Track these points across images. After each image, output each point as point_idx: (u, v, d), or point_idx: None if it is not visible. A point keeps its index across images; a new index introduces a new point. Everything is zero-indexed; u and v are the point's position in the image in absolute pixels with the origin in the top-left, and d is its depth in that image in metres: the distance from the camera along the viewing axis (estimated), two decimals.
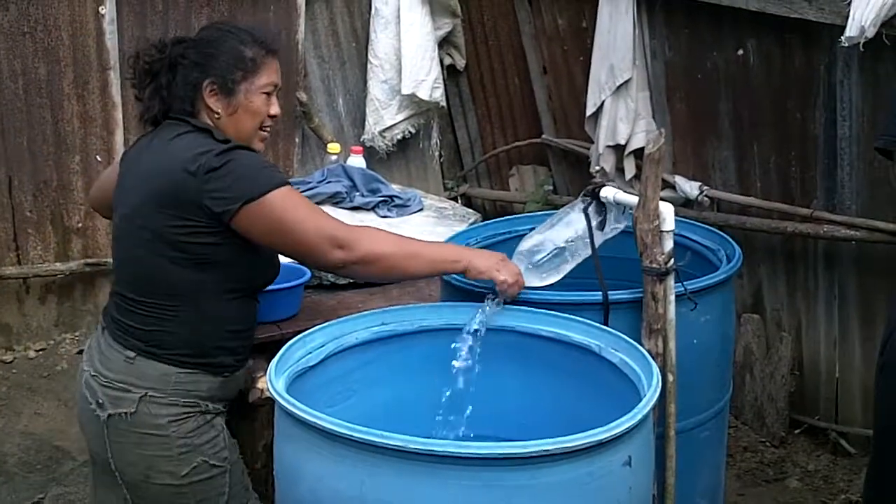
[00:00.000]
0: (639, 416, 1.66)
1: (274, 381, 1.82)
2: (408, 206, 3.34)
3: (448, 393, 2.16)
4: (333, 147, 3.62)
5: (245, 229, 2.00)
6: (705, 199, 3.49)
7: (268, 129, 2.15)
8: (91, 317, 4.36)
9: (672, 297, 2.07)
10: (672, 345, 2.10)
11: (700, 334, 2.22)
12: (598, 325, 2.01)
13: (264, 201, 1.98)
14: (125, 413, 2.05)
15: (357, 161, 3.60)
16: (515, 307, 2.11)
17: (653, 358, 2.05)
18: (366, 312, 2.12)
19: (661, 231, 2.03)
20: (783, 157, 3.26)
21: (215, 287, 2.07)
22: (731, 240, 2.46)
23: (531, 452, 1.57)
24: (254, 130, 2.11)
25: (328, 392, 2.05)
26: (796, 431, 3.51)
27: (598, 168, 2.26)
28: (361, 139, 4.37)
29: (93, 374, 2.10)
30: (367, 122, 4.34)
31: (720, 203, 3.51)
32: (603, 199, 2.21)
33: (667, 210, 2.03)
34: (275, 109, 2.13)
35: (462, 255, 2.11)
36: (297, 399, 1.86)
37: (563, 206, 4.20)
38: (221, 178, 1.97)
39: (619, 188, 2.23)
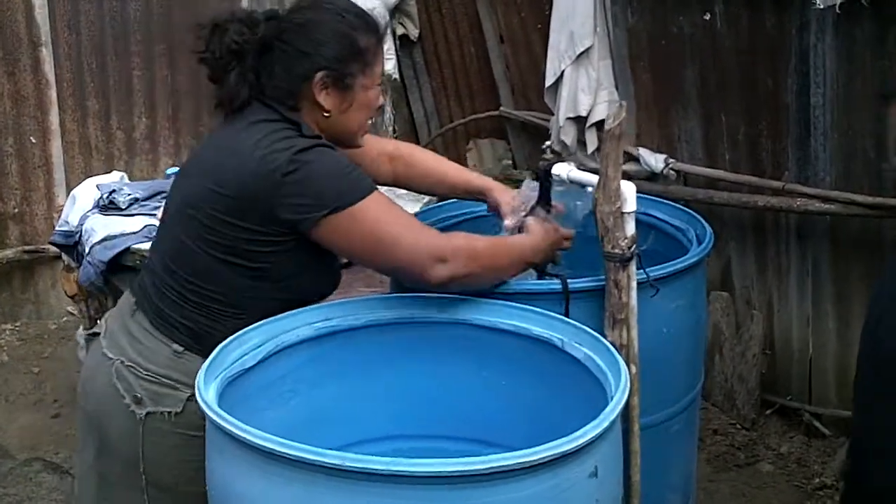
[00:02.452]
0: (605, 424, 1.50)
1: (203, 388, 1.63)
2: None
3: (399, 391, 2.01)
4: None
5: (327, 241, 1.80)
6: (671, 172, 3.34)
7: (371, 122, 1.95)
8: (32, 305, 4.16)
9: (635, 284, 1.91)
10: (635, 334, 1.95)
11: (670, 322, 2.07)
12: (559, 316, 1.85)
13: (354, 211, 1.75)
14: (169, 412, 1.85)
15: None
16: (469, 297, 1.95)
17: (617, 350, 1.91)
18: (307, 308, 1.94)
19: (623, 213, 1.86)
20: (753, 128, 3.10)
21: (272, 295, 1.87)
22: (700, 218, 2.31)
23: (488, 469, 1.41)
24: (362, 126, 1.91)
25: (269, 395, 1.88)
26: (767, 412, 3.39)
27: (547, 144, 2.08)
28: None
29: (127, 363, 1.88)
30: None
31: (687, 177, 3.36)
32: (555, 179, 2.05)
33: (629, 190, 1.87)
34: (382, 99, 1.92)
35: (540, 247, 1.96)
36: (235, 404, 1.71)
37: (522, 181, 4.10)
38: (301, 184, 1.74)
39: (574, 165, 2.06)
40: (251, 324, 1.84)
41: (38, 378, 3.82)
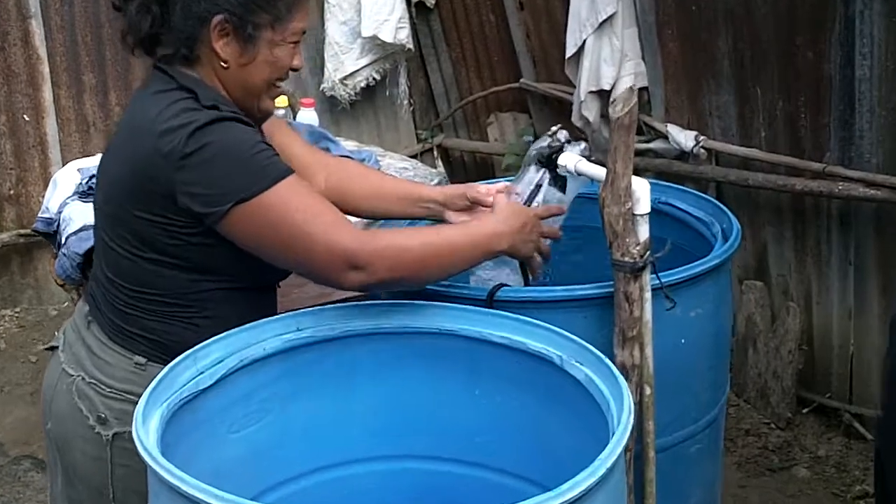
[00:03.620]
0: (601, 471, 1.27)
1: (141, 420, 1.42)
2: None
3: (383, 408, 1.80)
4: (279, 100, 3.18)
5: (235, 236, 1.57)
6: (702, 150, 3.07)
7: (282, 85, 1.71)
8: (32, 290, 4.00)
9: (649, 296, 1.67)
10: (650, 351, 1.71)
11: (689, 332, 1.83)
12: (560, 330, 1.62)
13: (261, 201, 1.53)
14: None
15: (307, 116, 3.19)
16: (459, 306, 1.72)
17: (628, 371, 1.68)
18: (274, 318, 1.73)
19: (635, 215, 1.62)
20: (791, 103, 2.82)
21: (222, 287, 1.67)
22: (727, 210, 2.05)
23: None
24: (266, 86, 1.66)
25: (232, 416, 1.66)
26: (804, 411, 3.14)
27: (553, 130, 1.83)
28: (321, 88, 3.94)
29: (88, 380, 1.68)
30: (325, 69, 3.90)
31: (719, 155, 3.09)
32: (560, 171, 1.81)
33: (641, 188, 1.62)
34: (298, 61, 1.68)
35: (504, 231, 1.68)
36: (189, 431, 1.54)
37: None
38: (200, 167, 1.52)
39: (583, 154, 1.82)
40: (217, 320, 1.65)
41: (35, 367, 3.66)
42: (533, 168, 1.85)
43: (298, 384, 1.75)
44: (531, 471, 1.72)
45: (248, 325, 1.70)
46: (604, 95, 3.22)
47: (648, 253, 1.63)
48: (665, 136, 3.19)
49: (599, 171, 1.71)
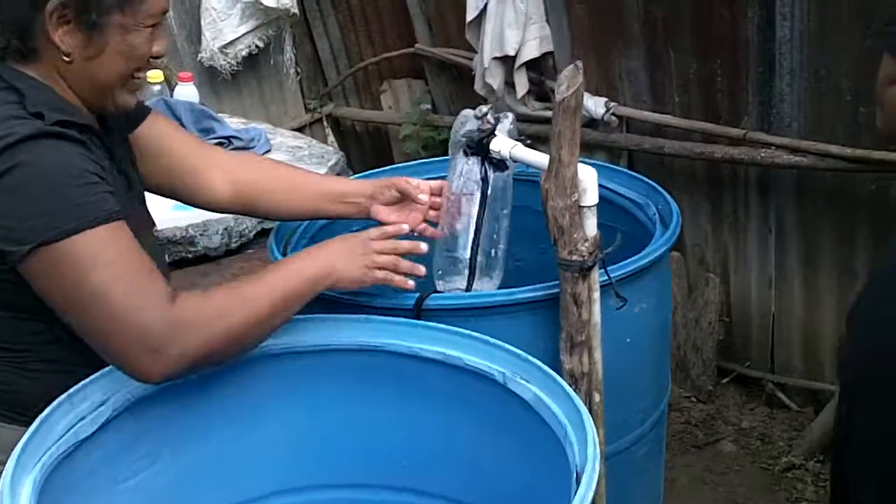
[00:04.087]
0: None
1: (9, 487, 1.18)
2: (251, 147, 2.68)
3: (306, 434, 1.59)
4: (153, 75, 2.89)
5: (32, 282, 1.29)
6: (613, 118, 2.91)
7: (141, 76, 1.42)
8: None
9: (598, 296, 1.50)
10: (598, 355, 1.54)
11: (635, 330, 1.67)
12: (501, 343, 1.42)
13: (65, 248, 1.24)
14: None
15: (185, 92, 2.90)
16: (384, 319, 1.52)
17: (577, 380, 1.50)
18: None
19: (582, 207, 1.43)
20: (706, 66, 2.67)
21: (54, 330, 1.38)
22: (662, 191, 1.89)
23: None
24: (122, 80, 1.38)
25: (120, 465, 1.43)
26: (723, 381, 3.05)
27: (485, 112, 1.62)
28: (199, 58, 3.62)
29: None
30: (203, 38, 3.58)
31: (630, 122, 2.94)
32: (494, 155, 1.61)
33: (588, 177, 1.43)
34: (159, 46, 1.40)
35: (324, 265, 1.44)
36: (73, 486, 1.33)
37: (444, 126, 3.63)
38: (6, 194, 1.24)
39: (518, 138, 1.62)
40: (58, 364, 1.40)
41: None
42: (462, 158, 1.64)
43: (196, 418, 1.52)
44: (475, 497, 1.54)
45: None
46: (508, 61, 3.03)
47: (598, 250, 1.45)
48: None
49: (539, 158, 1.51)
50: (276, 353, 1.53)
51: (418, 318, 1.54)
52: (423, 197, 1.64)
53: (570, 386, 1.50)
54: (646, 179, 1.94)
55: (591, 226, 1.44)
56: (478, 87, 3.16)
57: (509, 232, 1.68)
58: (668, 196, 1.85)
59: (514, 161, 1.58)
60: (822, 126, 2.44)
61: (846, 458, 1.54)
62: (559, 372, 1.53)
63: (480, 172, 1.62)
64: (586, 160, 1.56)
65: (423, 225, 1.67)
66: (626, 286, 1.58)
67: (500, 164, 1.63)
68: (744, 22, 2.52)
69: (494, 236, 1.66)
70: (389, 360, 1.53)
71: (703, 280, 2.91)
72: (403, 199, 1.66)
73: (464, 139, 1.64)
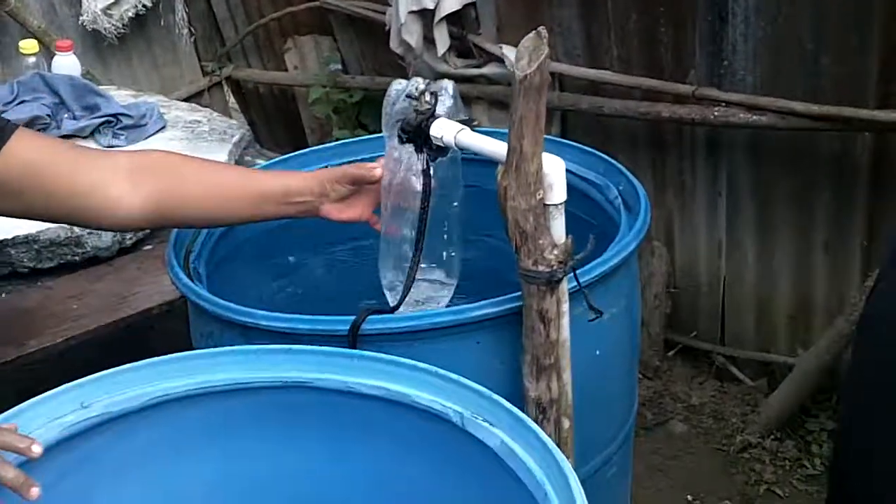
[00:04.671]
0: None
1: None
2: (142, 125, 2.34)
3: (216, 487, 1.32)
4: (27, 45, 2.52)
5: None
6: None
7: None
8: None
9: (567, 308, 1.25)
10: (568, 376, 1.30)
11: (605, 339, 1.42)
12: (457, 378, 1.16)
13: None
14: None
15: (64, 63, 2.54)
16: (314, 349, 1.25)
17: (546, 408, 1.26)
18: (47, 394, 1.20)
19: (549, 206, 1.18)
20: (648, 15, 2.42)
21: None
22: (624, 170, 1.65)
23: None
24: None
25: None
26: (669, 354, 2.86)
27: (421, 90, 1.32)
28: (80, 21, 3.24)
29: None
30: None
31: (564, 80, 2.68)
32: (434, 142, 1.34)
33: (555, 170, 1.17)
34: None
35: None
36: None
37: (356, 88, 3.33)
38: None
39: (464, 120, 1.35)
40: None
41: None
42: (397, 143, 1.36)
43: (91, 480, 1.24)
44: None
45: (7, 412, 1.17)
46: (426, 15, 2.74)
47: (569, 259, 1.19)
48: (500, 59, 2.75)
49: (492, 146, 1.24)
50: (183, 396, 1.25)
51: (354, 346, 1.27)
52: (378, 170, 1.38)
53: (538, 415, 1.27)
54: (602, 156, 1.70)
55: (559, 228, 1.18)
56: (393, 44, 2.86)
57: (462, 229, 1.42)
58: (630, 175, 1.61)
59: (461, 149, 1.31)
60: (780, 80, 2.22)
61: (857, 475, 1.34)
62: (523, 399, 1.29)
63: (421, 162, 1.34)
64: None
65: (375, 217, 1.42)
66: (595, 291, 1.33)
67: (443, 147, 1.35)
68: None
69: (444, 237, 1.39)
70: (322, 398, 1.26)
71: (649, 249, 2.69)
72: (356, 188, 1.39)
73: (397, 121, 1.36)
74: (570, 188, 1.62)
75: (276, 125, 3.97)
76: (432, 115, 1.30)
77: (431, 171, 1.34)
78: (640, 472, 2.52)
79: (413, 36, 2.78)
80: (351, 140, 1.82)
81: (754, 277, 2.58)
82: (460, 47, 2.83)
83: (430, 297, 1.43)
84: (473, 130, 1.30)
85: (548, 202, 1.16)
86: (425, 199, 1.34)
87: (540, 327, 1.21)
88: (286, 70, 3.62)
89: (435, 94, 1.34)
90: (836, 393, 2.55)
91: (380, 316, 1.27)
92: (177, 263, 1.44)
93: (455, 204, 1.41)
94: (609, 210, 1.58)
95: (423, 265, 1.37)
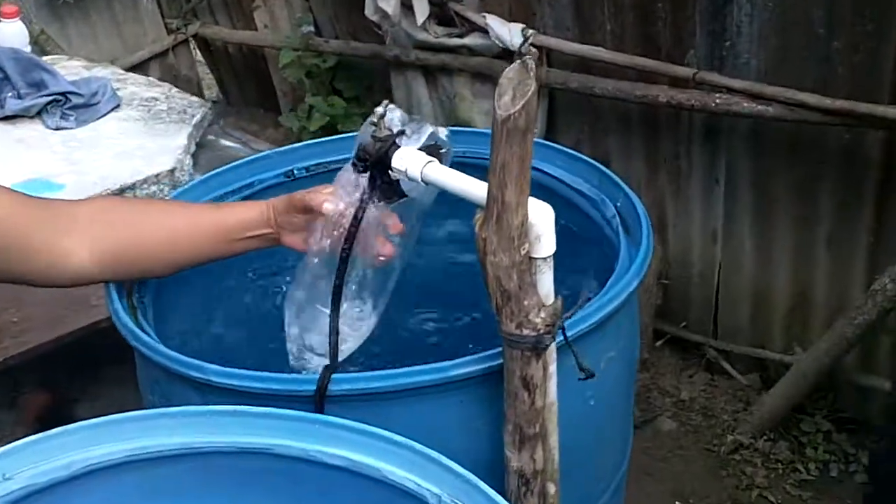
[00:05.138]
0: None
1: None
2: (93, 105, 2.15)
3: None
4: None
5: None
6: (532, 49, 2.46)
7: None
8: None
9: (554, 370, 1.09)
10: (555, 440, 1.15)
11: (601, 387, 1.26)
12: (435, 455, 1.01)
13: None
14: None
15: (10, 32, 2.33)
16: (273, 412, 1.09)
17: (529, 479, 1.12)
18: None
19: (536, 260, 1.01)
20: None
21: None
22: (620, 181, 1.49)
23: None
24: None
25: None
26: (657, 344, 2.72)
27: (380, 111, 1.14)
28: None
29: None
30: None
31: (552, 55, 2.49)
32: (395, 175, 1.16)
33: (543, 219, 1.00)
34: None
35: None
36: None
37: (330, 53, 3.12)
38: None
39: (430, 144, 1.17)
40: None
41: None
42: (350, 170, 1.19)
43: None
44: None
45: None
46: None
47: (559, 320, 1.03)
48: (483, 30, 2.56)
49: (467, 186, 1.07)
50: (122, 461, 1.10)
51: (321, 409, 1.11)
52: (330, 207, 1.20)
53: (521, 487, 1.12)
54: (596, 164, 1.53)
55: (546, 283, 1.02)
56: (368, 12, 2.66)
57: (391, 289, 1.25)
58: (628, 190, 1.45)
59: (427, 184, 1.13)
60: (787, 66, 2.04)
61: None
62: (502, 467, 1.15)
63: (363, 197, 1.17)
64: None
65: None
66: (590, 338, 1.18)
67: (395, 188, 1.17)
68: None
69: (361, 291, 1.23)
70: (281, 465, 1.10)
71: None
72: (309, 216, 1.23)
73: (355, 146, 1.18)
74: (562, 200, 1.48)
75: (246, 84, 3.76)
76: (394, 143, 1.13)
77: (369, 210, 1.17)
78: (630, 475, 2.40)
79: (390, 3, 2.58)
80: (319, 140, 1.63)
81: (751, 269, 2.43)
82: (441, 15, 2.64)
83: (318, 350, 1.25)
84: (443, 163, 1.12)
85: (535, 255, 0.99)
86: (347, 243, 1.17)
87: (524, 395, 1.05)
88: (255, 29, 3.41)
89: (403, 119, 1.16)
90: (833, 393, 2.42)
91: (348, 375, 1.11)
92: (117, 297, 1.27)
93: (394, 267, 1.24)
94: (606, 230, 1.42)
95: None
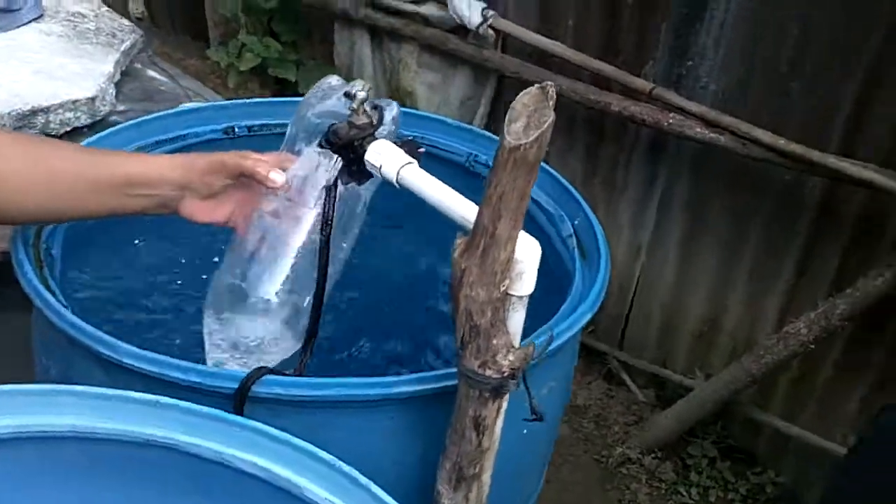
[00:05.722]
0: None
1: None
2: (14, 10, 1.97)
3: None
4: None
5: None
6: (489, 31, 2.38)
7: None
8: None
9: (505, 408, 1.03)
10: (488, 477, 1.09)
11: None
12: (363, 481, 0.94)
13: None
14: None
15: None
16: (187, 407, 0.99)
17: None
18: None
19: (511, 296, 0.94)
20: None
21: None
22: (581, 200, 1.43)
23: None
24: None
25: None
26: None
27: (359, 91, 1.05)
28: None
29: None
30: None
31: (508, 41, 2.41)
32: (369, 168, 1.08)
33: (530, 257, 0.93)
34: None
35: None
36: None
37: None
38: None
39: (410, 147, 1.08)
40: None
41: None
42: (312, 149, 1.10)
43: None
44: None
45: None
46: None
47: (525, 364, 0.97)
48: (442, 1, 2.45)
49: (450, 201, 0.99)
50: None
51: (241, 410, 1.02)
52: (279, 178, 1.10)
53: None
54: (558, 176, 1.46)
55: (517, 322, 0.95)
56: None
57: (340, 271, 1.17)
58: (588, 210, 1.38)
59: (401, 187, 1.05)
60: (745, 96, 2.02)
61: None
62: (427, 491, 1.08)
63: (329, 181, 1.08)
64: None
65: (245, 226, 1.15)
66: (534, 369, 1.12)
67: (362, 171, 1.09)
68: None
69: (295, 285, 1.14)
70: (190, 465, 1.01)
71: None
72: (243, 182, 1.12)
73: (319, 122, 1.09)
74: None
75: (175, 6, 3.56)
76: (371, 134, 1.04)
77: (338, 199, 1.08)
78: None
79: None
80: (263, 100, 1.52)
81: (668, 289, 2.42)
82: None
83: (257, 346, 1.16)
84: (420, 163, 1.04)
85: (512, 293, 0.92)
86: (323, 229, 1.09)
87: (472, 436, 0.99)
88: None
89: (380, 109, 1.07)
90: (724, 421, 2.44)
91: (279, 378, 1.02)
92: (22, 245, 1.14)
93: (345, 244, 1.16)
94: (560, 249, 1.36)
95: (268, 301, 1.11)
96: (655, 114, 2.08)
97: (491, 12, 2.35)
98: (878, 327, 2.01)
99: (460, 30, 2.42)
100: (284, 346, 1.10)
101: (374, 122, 1.05)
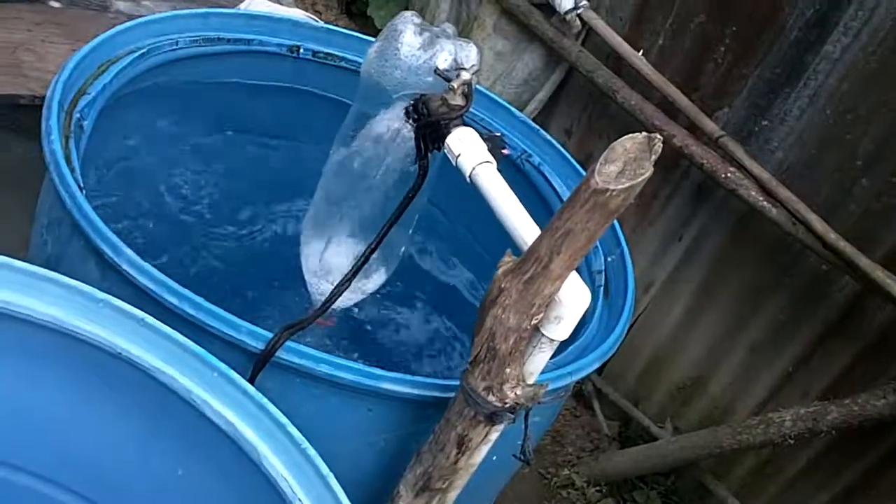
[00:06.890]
0: None
1: None
2: None
3: None
4: None
5: None
6: (576, 20, 2.28)
7: None
8: None
9: (494, 437, 0.97)
10: (453, 496, 1.04)
11: (508, 446, 1.16)
12: (260, 400, 0.88)
13: None
14: None
15: None
16: (200, 354, 0.93)
17: None
18: None
19: (543, 337, 0.87)
20: (718, 22, 2.08)
21: None
22: (622, 237, 1.36)
23: None
24: None
25: None
26: None
27: (464, 79, 0.97)
28: None
29: None
30: None
31: (590, 36, 2.32)
32: (447, 151, 1.01)
33: (574, 305, 0.86)
34: None
35: None
36: None
37: None
38: None
39: (493, 141, 1.01)
40: None
41: None
42: (399, 114, 1.03)
43: None
44: None
45: None
46: None
47: (534, 403, 0.91)
48: None
49: (511, 212, 0.92)
50: None
51: (256, 375, 0.96)
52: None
53: None
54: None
55: (537, 363, 0.89)
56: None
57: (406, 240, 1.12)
58: (627, 253, 1.32)
59: (471, 183, 0.98)
60: (810, 174, 1.94)
61: None
62: (385, 487, 1.03)
63: (420, 155, 1.02)
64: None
65: None
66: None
67: (431, 148, 1.03)
68: (789, 7, 1.93)
69: (410, 231, 1.10)
70: (168, 399, 0.95)
71: None
72: None
73: (409, 90, 1.02)
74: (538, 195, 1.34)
75: None
76: (461, 117, 0.97)
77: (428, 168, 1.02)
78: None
79: None
80: (332, 28, 1.42)
81: (667, 333, 2.36)
82: None
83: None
84: (499, 169, 0.97)
85: (546, 332, 0.86)
86: (411, 195, 1.03)
87: (451, 451, 0.93)
88: None
89: (468, 87, 1.00)
90: (676, 477, 2.40)
91: (305, 350, 0.95)
92: (56, 108, 1.07)
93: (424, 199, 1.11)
94: (585, 281, 1.29)
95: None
96: (715, 162, 2.00)
97: (584, 2, 2.26)
98: (862, 445, 1.96)
99: (546, 8, 2.33)
100: (376, 280, 1.08)
101: (468, 105, 0.98)
